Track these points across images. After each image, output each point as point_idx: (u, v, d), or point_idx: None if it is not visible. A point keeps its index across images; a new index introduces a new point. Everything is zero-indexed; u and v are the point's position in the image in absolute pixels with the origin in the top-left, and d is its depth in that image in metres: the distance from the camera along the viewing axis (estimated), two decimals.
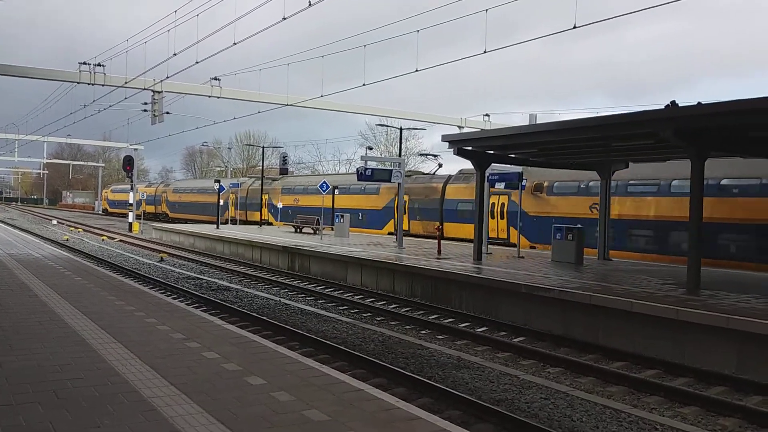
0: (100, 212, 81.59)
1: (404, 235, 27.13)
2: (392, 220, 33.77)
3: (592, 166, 20.54)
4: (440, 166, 36.32)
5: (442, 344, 11.33)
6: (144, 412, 5.02)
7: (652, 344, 10.82)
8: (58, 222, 54.73)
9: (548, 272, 15.84)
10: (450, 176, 33.21)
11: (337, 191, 35.14)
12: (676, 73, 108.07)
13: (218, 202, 37.57)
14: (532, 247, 25.48)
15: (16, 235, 26.58)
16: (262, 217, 45.21)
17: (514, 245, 24.24)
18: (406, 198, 30.34)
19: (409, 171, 37.74)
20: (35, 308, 9.33)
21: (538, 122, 24.25)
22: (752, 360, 9.59)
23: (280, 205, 41.58)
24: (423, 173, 39.20)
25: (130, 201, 44.50)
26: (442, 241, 22.30)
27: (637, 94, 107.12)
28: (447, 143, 19.06)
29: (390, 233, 33.34)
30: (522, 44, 16.19)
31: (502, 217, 28.52)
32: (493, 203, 28.09)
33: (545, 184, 26.30)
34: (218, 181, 37.67)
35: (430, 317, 13.86)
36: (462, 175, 31.79)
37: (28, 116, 50.27)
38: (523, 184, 21.53)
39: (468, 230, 27.01)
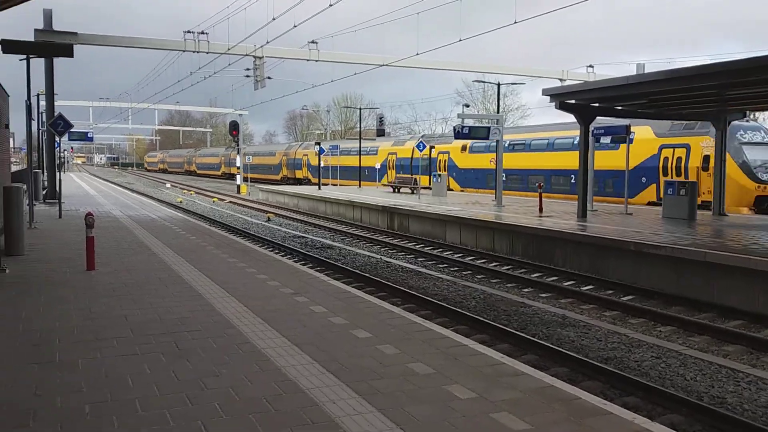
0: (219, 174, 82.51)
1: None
2: (653, 185, 24.37)
3: (705, 117, 19.33)
4: None
5: (546, 302, 11.15)
6: (258, 362, 5.26)
7: None
8: (171, 185, 57.71)
9: (659, 229, 15.17)
10: None
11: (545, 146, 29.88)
12: None
13: (319, 163, 38.33)
14: None
15: (134, 199, 28.27)
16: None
17: None
18: (671, 153, 24.00)
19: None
20: (154, 266, 9.93)
21: (646, 72, 22.94)
22: None
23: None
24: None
25: (238, 164, 46.29)
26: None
27: None
28: (548, 97, 18.47)
29: (651, 203, 23.61)
30: None
31: None
32: None
33: None
34: (318, 144, 38.40)
35: (532, 275, 13.65)
36: None
37: (140, 85, 53.00)
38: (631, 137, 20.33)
39: None
